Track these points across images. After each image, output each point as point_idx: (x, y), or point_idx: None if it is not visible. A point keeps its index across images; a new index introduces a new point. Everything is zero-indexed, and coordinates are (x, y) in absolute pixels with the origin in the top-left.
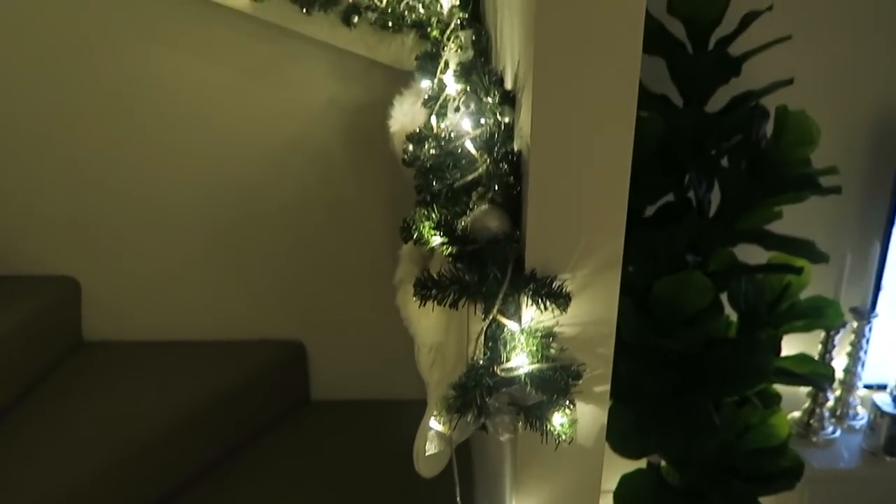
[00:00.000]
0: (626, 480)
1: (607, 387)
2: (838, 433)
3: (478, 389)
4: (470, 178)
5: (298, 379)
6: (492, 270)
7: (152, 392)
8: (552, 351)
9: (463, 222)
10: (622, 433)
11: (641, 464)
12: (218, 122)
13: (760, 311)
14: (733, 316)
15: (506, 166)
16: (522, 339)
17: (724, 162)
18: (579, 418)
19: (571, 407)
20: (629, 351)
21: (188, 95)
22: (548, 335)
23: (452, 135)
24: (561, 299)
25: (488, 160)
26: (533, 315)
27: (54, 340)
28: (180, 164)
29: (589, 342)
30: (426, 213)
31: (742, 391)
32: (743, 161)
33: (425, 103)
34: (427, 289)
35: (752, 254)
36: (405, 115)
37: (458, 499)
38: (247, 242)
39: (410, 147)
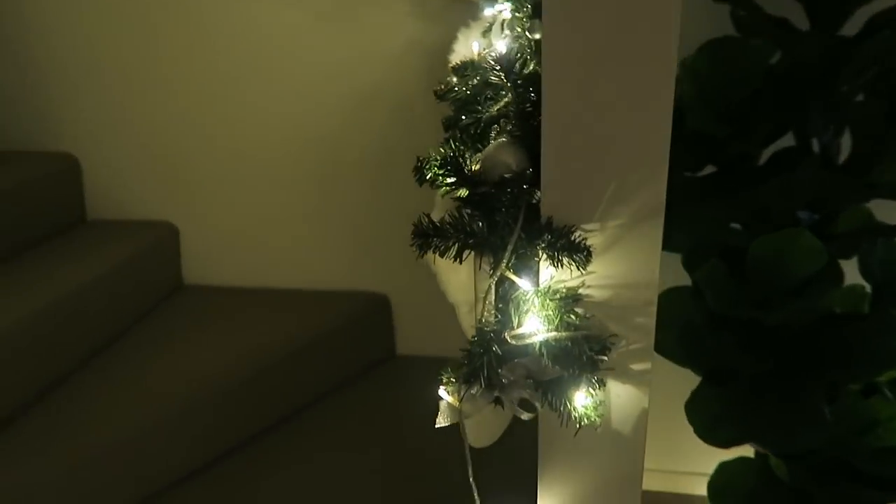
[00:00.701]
0: (724, 469)
1: (648, 365)
2: None
3: (485, 357)
4: (496, 109)
5: (383, 333)
6: (501, 217)
7: (241, 338)
8: (573, 318)
9: (476, 160)
10: (709, 418)
11: (745, 451)
12: (298, 69)
13: None
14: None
15: (531, 92)
16: (537, 300)
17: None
18: (614, 401)
19: (598, 386)
20: (719, 323)
21: (269, 43)
22: (569, 298)
23: (493, 62)
24: (579, 254)
25: (509, 85)
26: (553, 274)
27: (155, 283)
28: (264, 113)
29: (624, 309)
30: (440, 150)
31: (867, 378)
32: (883, 97)
33: (485, 33)
34: (426, 237)
35: (892, 212)
36: (469, 49)
37: (470, 479)
38: (331, 193)
39: (454, 79)
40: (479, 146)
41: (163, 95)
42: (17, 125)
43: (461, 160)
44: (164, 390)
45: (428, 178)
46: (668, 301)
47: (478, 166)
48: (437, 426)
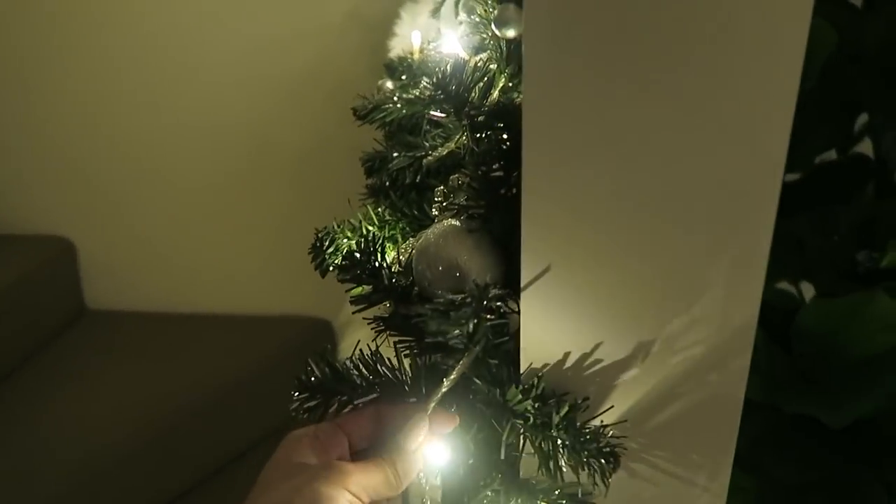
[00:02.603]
0: None
1: None
2: None
3: None
4: (446, 152)
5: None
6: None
7: (154, 374)
8: None
9: (408, 248)
10: None
11: None
12: (214, 51)
13: None
14: None
15: (501, 136)
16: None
17: None
18: None
19: None
20: (753, 409)
21: (179, 20)
22: None
23: (433, 87)
24: (597, 458)
25: (462, 119)
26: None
27: (50, 307)
28: (179, 103)
29: None
30: (350, 224)
31: None
32: None
33: (434, 12)
34: (322, 393)
35: None
36: (416, 32)
37: None
38: (259, 199)
39: (388, 84)
40: (418, 213)
41: (50, 83)
42: None
43: (377, 254)
44: (55, 447)
45: (326, 265)
46: None
47: (407, 256)
48: None
